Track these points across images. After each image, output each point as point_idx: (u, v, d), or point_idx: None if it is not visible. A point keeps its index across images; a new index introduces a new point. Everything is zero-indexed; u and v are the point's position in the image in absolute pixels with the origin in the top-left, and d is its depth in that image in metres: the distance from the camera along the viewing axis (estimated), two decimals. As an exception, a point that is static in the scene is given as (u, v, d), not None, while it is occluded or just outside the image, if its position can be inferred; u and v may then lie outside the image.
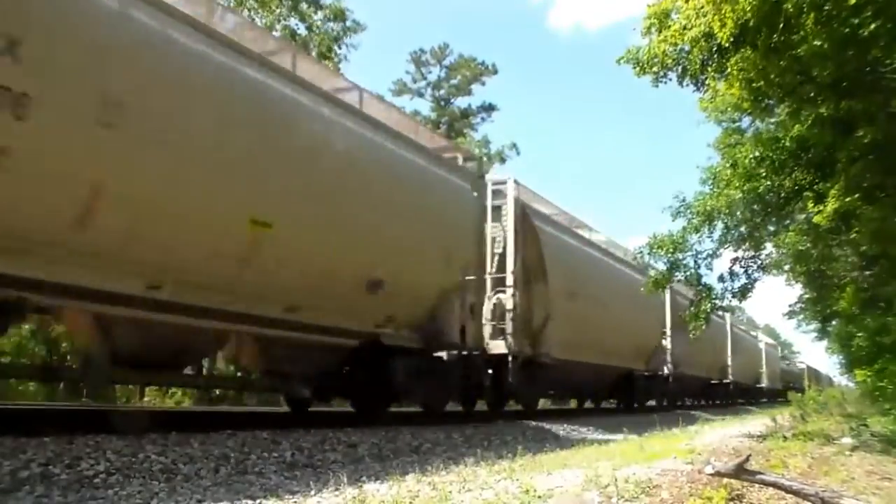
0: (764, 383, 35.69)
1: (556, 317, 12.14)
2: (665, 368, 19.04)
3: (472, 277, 9.86)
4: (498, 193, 11.54)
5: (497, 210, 11.45)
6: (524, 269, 11.56)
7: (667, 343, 19.12)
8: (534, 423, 10.95)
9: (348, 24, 21.83)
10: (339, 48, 21.52)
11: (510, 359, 10.93)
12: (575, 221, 15.21)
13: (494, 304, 11.06)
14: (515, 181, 11.74)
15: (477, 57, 35.61)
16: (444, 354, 9.60)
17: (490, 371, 10.90)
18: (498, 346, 11.02)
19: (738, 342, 28.65)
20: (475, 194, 10.37)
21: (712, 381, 25.27)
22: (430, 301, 9.10)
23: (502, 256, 11.37)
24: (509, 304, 11.08)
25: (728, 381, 27.10)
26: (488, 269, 11.09)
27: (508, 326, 11.03)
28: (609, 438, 9.61)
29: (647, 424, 10.41)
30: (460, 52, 35.96)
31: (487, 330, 10.88)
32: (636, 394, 17.83)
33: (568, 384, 14.60)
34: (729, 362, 26.91)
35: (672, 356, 19.23)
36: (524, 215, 11.82)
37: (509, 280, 11.15)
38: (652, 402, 19.42)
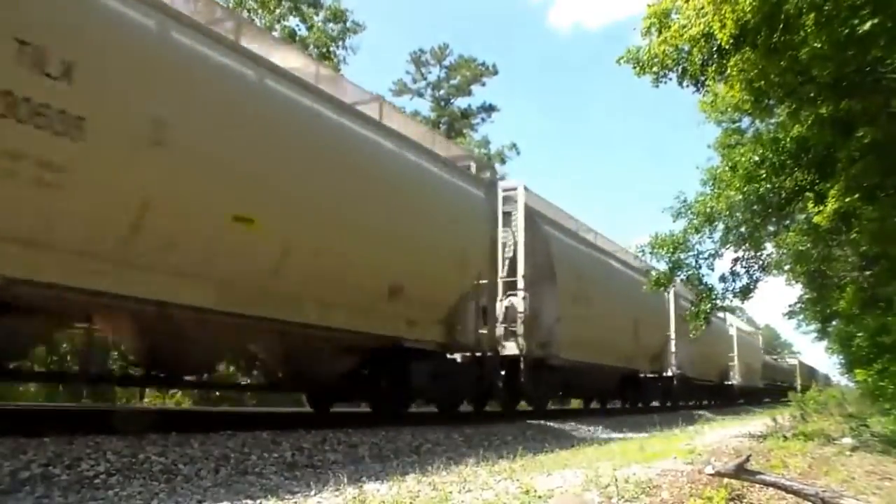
0: (735, 380, 28.25)
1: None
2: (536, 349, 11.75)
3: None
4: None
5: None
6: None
7: (554, 313, 12.14)
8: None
9: (348, 24, 21.82)
10: (339, 49, 21.50)
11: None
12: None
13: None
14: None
15: (477, 57, 35.66)
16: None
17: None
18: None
19: (690, 323, 19.06)
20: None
21: (641, 374, 18.18)
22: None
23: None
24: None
25: (671, 374, 20.08)
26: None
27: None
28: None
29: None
30: (460, 52, 36.00)
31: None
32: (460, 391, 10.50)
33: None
34: (673, 349, 19.94)
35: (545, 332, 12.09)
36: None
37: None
38: (525, 408, 12.89)
